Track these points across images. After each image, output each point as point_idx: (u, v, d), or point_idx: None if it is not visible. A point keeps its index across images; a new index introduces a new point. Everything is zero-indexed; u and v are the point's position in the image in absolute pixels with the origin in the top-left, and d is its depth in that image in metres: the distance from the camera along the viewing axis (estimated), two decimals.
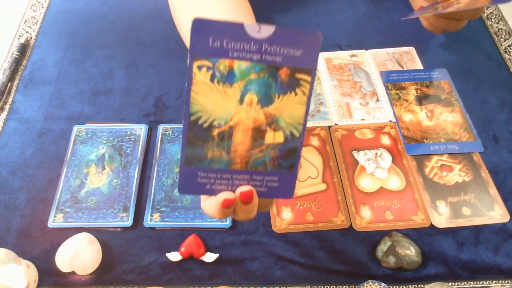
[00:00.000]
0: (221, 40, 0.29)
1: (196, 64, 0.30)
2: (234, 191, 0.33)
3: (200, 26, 0.29)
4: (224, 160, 0.33)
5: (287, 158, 0.33)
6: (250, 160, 0.33)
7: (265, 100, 0.32)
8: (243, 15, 0.50)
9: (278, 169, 0.33)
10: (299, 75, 0.31)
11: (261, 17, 0.72)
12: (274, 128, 0.32)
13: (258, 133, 0.32)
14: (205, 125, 0.32)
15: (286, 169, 0.33)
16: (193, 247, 0.48)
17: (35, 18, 0.73)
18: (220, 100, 0.31)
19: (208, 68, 0.30)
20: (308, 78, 0.31)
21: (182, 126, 0.32)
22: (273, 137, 0.33)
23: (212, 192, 0.34)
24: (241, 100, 0.31)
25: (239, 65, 0.30)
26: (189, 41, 0.29)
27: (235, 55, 0.30)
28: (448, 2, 0.56)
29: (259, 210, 0.35)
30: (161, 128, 0.59)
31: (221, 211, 0.33)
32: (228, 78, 0.31)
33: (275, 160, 0.33)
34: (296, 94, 0.32)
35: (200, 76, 0.30)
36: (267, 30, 0.29)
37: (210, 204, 0.34)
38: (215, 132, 0.32)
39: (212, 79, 0.30)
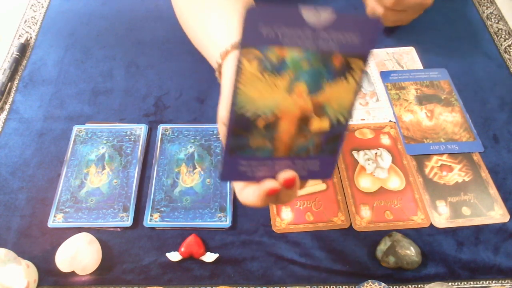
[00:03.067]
0: (274, 26, 0.27)
1: (245, 53, 0.28)
2: (274, 176, 0.33)
3: (253, 15, 0.27)
4: (267, 148, 0.32)
5: (331, 143, 0.32)
6: (294, 147, 0.32)
7: (315, 88, 0.30)
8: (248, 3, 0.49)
9: (320, 154, 0.32)
10: (352, 62, 0.29)
11: None
12: (321, 115, 0.31)
13: (304, 121, 0.31)
14: (251, 116, 0.30)
15: (328, 153, 0.33)
16: (193, 247, 0.48)
17: (35, 18, 0.73)
18: (268, 90, 0.30)
19: (259, 58, 0.28)
20: (362, 65, 0.30)
21: (228, 116, 0.30)
22: (320, 124, 0.31)
23: (253, 179, 0.33)
24: (290, 90, 0.30)
25: (291, 54, 0.28)
26: (241, 31, 0.27)
27: (288, 43, 0.28)
28: None
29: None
30: (161, 128, 0.59)
31: (265, 199, 0.33)
32: (279, 68, 0.29)
33: (319, 146, 0.32)
34: (347, 82, 0.30)
35: (250, 66, 0.28)
36: (325, 15, 0.27)
37: (250, 193, 0.33)
38: (261, 123, 0.31)
39: (261, 70, 0.29)
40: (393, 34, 0.71)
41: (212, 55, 0.44)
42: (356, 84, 0.30)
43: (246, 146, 0.31)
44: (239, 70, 0.29)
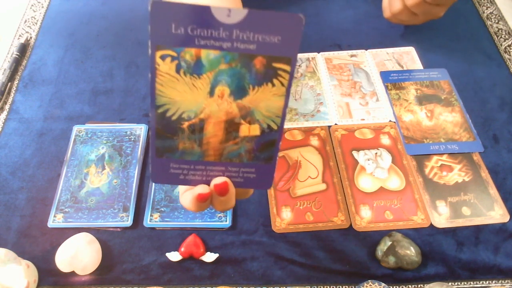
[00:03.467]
0: (185, 27, 0.26)
1: (159, 54, 0.27)
2: (209, 182, 0.32)
3: (161, 10, 0.25)
4: (196, 152, 0.31)
5: (265, 151, 0.31)
6: (224, 152, 0.31)
7: (238, 92, 0.29)
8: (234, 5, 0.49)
9: (255, 161, 0.32)
10: (277, 65, 0.28)
11: None
12: (249, 121, 0.30)
13: (231, 126, 0.30)
14: (174, 117, 0.30)
15: (264, 161, 0.32)
16: (193, 247, 0.48)
17: (35, 18, 0.73)
18: (188, 92, 0.29)
19: (173, 58, 0.27)
20: (288, 68, 0.28)
21: (151, 117, 0.30)
22: (248, 130, 0.31)
23: (186, 182, 0.32)
24: (212, 92, 0.29)
25: (207, 55, 0.27)
26: (149, 28, 0.26)
27: (202, 43, 0.27)
28: None
29: (237, 198, 0.34)
30: None
31: (197, 204, 0.32)
32: (196, 68, 0.28)
33: (251, 152, 0.31)
34: (273, 85, 0.29)
35: (164, 66, 0.28)
36: (238, 14, 0.26)
37: (186, 198, 0.33)
38: (185, 124, 0.30)
39: (177, 70, 0.28)
40: (393, 34, 0.71)
41: None
42: (284, 88, 0.29)
43: (174, 148, 0.31)
44: (154, 71, 0.28)
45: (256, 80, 0.29)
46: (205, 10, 0.26)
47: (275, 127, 0.30)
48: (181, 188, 0.35)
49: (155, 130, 0.30)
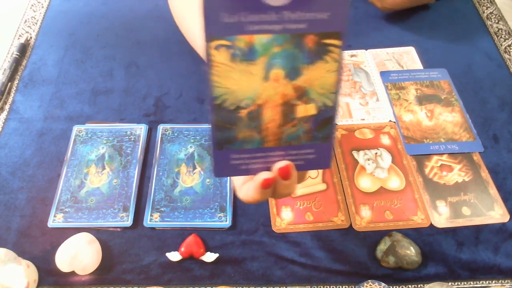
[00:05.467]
0: (236, 14, 0.26)
1: (213, 44, 0.27)
2: (270, 169, 0.32)
3: (211, 1, 0.26)
4: (256, 139, 0.31)
5: (322, 129, 0.32)
6: (283, 136, 0.31)
7: (293, 73, 0.29)
8: None
9: (313, 141, 0.32)
10: (327, 41, 0.28)
11: None
12: (305, 101, 0.30)
13: (288, 108, 0.30)
14: (232, 107, 0.30)
15: (321, 140, 0.32)
16: (193, 247, 0.48)
17: (35, 18, 0.73)
18: (244, 79, 0.29)
19: (227, 47, 0.27)
20: (338, 42, 0.28)
21: (209, 110, 0.30)
22: (305, 110, 0.31)
23: (248, 172, 0.32)
24: (267, 77, 0.29)
25: (260, 39, 0.27)
26: (202, 21, 0.26)
27: (255, 29, 0.27)
28: None
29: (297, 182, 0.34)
30: (161, 128, 0.59)
31: (261, 192, 0.32)
32: (250, 55, 0.28)
33: (309, 132, 0.32)
34: (326, 62, 0.29)
35: (220, 57, 0.28)
36: None
37: (248, 189, 0.33)
38: (243, 113, 0.30)
39: (232, 59, 0.28)
40: (393, 34, 0.71)
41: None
42: (337, 63, 0.29)
43: (233, 139, 0.31)
44: (210, 63, 0.28)
45: (309, 59, 0.29)
46: None
47: (330, 103, 0.31)
48: (237, 182, 0.35)
49: (214, 122, 0.30)
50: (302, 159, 0.33)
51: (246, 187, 0.33)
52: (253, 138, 0.31)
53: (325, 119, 0.31)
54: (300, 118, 0.31)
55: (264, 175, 0.32)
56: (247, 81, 0.29)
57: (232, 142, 0.31)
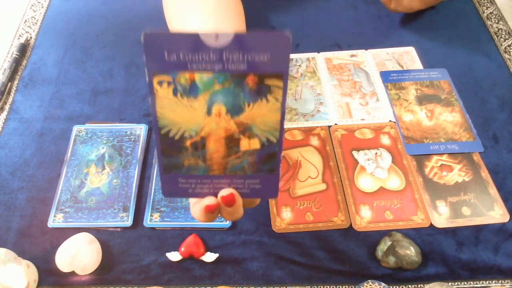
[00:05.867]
0: (177, 53, 0.28)
1: (156, 80, 0.29)
2: (217, 194, 0.33)
3: (153, 40, 0.27)
4: (201, 167, 0.32)
5: (267, 163, 0.32)
6: (228, 166, 0.32)
7: (235, 109, 0.30)
8: (232, 9, 0.50)
9: (259, 173, 0.33)
10: (269, 81, 0.29)
11: (261, 17, 0.72)
12: (249, 136, 0.31)
13: (232, 141, 0.32)
14: (177, 137, 0.31)
15: (267, 172, 0.33)
16: (193, 247, 0.48)
17: (35, 18, 0.73)
18: (187, 113, 0.30)
19: (169, 83, 0.29)
20: (280, 83, 0.29)
21: (155, 137, 0.31)
22: (249, 144, 0.32)
23: (195, 195, 0.34)
24: (209, 112, 0.30)
25: (201, 77, 0.29)
26: (144, 57, 0.28)
27: (195, 67, 0.28)
28: None
29: (245, 207, 0.35)
30: None
31: (205, 215, 0.34)
32: (191, 91, 0.29)
33: (254, 165, 0.32)
34: (268, 101, 0.30)
35: (162, 91, 0.29)
36: (225, 37, 0.27)
37: (196, 210, 0.34)
38: (188, 143, 0.31)
39: (175, 94, 0.29)
40: (393, 34, 0.71)
41: None
42: (279, 103, 0.30)
43: (180, 165, 0.32)
44: (153, 96, 0.29)
45: (251, 97, 0.30)
46: (194, 37, 0.27)
47: (274, 140, 0.31)
48: (191, 200, 0.36)
49: (160, 149, 0.32)
50: (248, 188, 0.33)
51: (195, 207, 0.35)
52: (199, 166, 0.32)
53: (269, 153, 0.32)
54: (244, 151, 0.32)
55: (207, 201, 0.33)
56: (190, 114, 0.30)
57: (179, 168, 0.32)
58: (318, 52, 0.68)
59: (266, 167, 0.32)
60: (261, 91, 0.29)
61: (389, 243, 0.48)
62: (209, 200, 0.33)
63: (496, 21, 0.73)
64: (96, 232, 0.50)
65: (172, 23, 0.52)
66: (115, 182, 0.54)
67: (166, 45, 0.28)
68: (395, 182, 0.54)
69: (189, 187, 0.33)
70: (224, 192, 0.33)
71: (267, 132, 0.31)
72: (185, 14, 0.48)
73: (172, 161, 0.32)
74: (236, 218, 0.35)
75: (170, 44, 0.27)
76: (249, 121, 0.31)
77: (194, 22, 0.46)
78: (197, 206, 0.34)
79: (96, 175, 0.54)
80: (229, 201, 0.33)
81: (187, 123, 0.31)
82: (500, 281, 0.47)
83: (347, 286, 0.47)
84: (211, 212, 0.33)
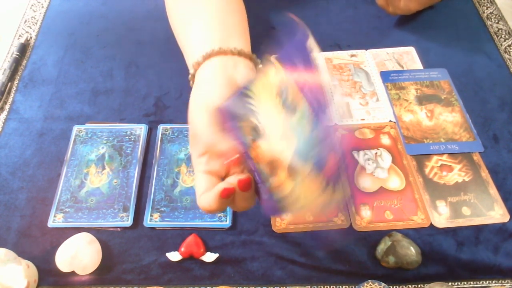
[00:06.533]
0: None
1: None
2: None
3: None
4: None
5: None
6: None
7: (302, 157, 0.32)
8: (235, 9, 0.49)
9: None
10: None
11: (260, 17, 0.72)
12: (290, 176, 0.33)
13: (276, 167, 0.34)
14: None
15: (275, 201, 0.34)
16: (193, 247, 0.48)
17: (35, 18, 0.73)
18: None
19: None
20: None
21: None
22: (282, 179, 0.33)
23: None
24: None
25: None
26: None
27: None
28: None
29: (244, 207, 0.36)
30: (161, 128, 0.59)
31: (219, 201, 0.33)
32: None
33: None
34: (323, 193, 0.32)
35: None
36: None
37: (206, 197, 0.34)
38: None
39: None
40: (393, 34, 0.71)
41: (188, 62, 0.45)
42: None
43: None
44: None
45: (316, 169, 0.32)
46: None
47: (298, 208, 0.33)
48: (198, 190, 0.35)
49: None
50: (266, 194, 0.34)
51: (205, 196, 0.34)
52: None
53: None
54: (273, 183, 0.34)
55: (224, 185, 0.33)
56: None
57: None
58: (318, 52, 0.68)
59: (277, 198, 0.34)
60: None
61: (389, 243, 0.48)
62: (226, 184, 0.33)
63: (496, 21, 0.73)
64: (96, 232, 0.50)
65: (177, 27, 0.51)
66: (115, 182, 0.54)
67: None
68: (395, 182, 0.54)
69: None
70: (242, 176, 0.33)
71: (301, 205, 0.33)
72: (191, 20, 0.48)
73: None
74: (247, 207, 0.35)
75: None
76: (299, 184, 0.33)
77: (200, 26, 0.46)
78: (207, 194, 0.34)
79: (96, 175, 0.54)
80: (246, 185, 0.33)
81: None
82: (500, 281, 0.47)
83: (347, 286, 0.47)
84: (228, 197, 0.33)
